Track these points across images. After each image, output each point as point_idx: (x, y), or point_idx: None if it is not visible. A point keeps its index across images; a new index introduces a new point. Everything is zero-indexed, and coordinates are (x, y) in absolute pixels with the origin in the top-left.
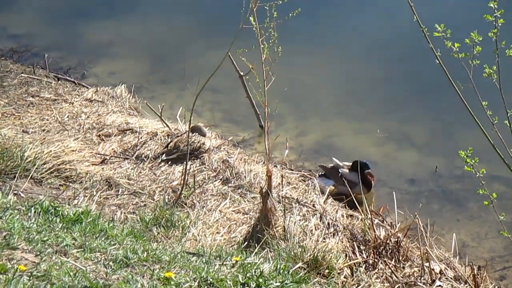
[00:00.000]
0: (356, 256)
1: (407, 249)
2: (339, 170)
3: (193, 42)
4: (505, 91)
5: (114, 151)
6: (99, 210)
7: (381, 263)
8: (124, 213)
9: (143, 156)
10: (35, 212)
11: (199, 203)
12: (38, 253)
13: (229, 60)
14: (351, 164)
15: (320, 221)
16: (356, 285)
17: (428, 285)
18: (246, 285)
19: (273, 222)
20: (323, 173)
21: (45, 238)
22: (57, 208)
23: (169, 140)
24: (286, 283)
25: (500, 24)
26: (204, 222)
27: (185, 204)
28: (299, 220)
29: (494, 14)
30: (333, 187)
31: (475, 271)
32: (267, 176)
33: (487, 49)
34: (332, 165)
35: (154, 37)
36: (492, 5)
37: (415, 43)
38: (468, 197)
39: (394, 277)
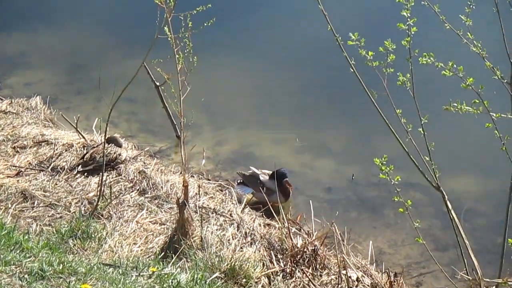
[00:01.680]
0: (274, 265)
1: (324, 257)
2: (260, 177)
3: (109, 52)
4: (418, 99)
5: (30, 163)
6: (14, 222)
7: (299, 271)
8: (40, 225)
9: (59, 167)
10: None
11: (116, 214)
12: None
13: (144, 70)
14: (270, 172)
15: (237, 230)
16: None
17: None
18: None
19: (190, 232)
20: (241, 181)
21: None
22: None
23: (85, 151)
24: None
25: (413, 33)
26: (120, 233)
27: (102, 215)
28: (216, 229)
29: (407, 23)
30: (251, 196)
31: (392, 278)
32: (184, 186)
33: (402, 57)
34: (250, 172)
35: (69, 47)
36: (405, 13)
37: (331, 51)
38: (385, 205)
39: (312, 285)
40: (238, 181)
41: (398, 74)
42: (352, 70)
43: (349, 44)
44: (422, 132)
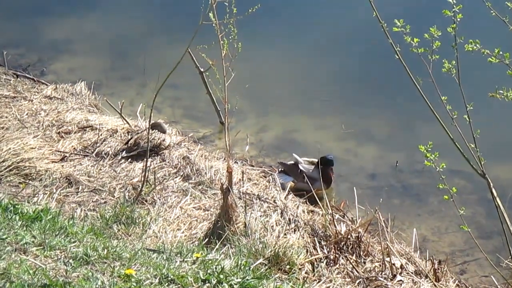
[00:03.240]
0: (317, 251)
1: (368, 244)
2: (299, 166)
3: (153, 38)
4: (464, 86)
5: (74, 148)
6: (59, 207)
7: (342, 258)
8: (84, 210)
9: (103, 153)
10: None
11: (160, 199)
12: None
13: (189, 56)
14: (311, 159)
15: (281, 217)
16: (317, 280)
17: (389, 280)
18: (207, 281)
19: (234, 218)
20: (282, 170)
21: (4, 236)
22: (16, 206)
23: (129, 137)
24: (247, 279)
25: (458, 19)
26: (164, 218)
27: (146, 201)
28: (260, 216)
29: (453, 9)
30: (293, 183)
31: (436, 265)
32: (228, 172)
33: (447, 45)
34: (292, 162)
35: (114, 33)
36: (450, 0)
37: (375, 38)
38: (428, 192)
39: (355, 272)
40: (280, 170)
41: (443, 61)
42: (397, 57)
43: (394, 30)
44: (468, 119)
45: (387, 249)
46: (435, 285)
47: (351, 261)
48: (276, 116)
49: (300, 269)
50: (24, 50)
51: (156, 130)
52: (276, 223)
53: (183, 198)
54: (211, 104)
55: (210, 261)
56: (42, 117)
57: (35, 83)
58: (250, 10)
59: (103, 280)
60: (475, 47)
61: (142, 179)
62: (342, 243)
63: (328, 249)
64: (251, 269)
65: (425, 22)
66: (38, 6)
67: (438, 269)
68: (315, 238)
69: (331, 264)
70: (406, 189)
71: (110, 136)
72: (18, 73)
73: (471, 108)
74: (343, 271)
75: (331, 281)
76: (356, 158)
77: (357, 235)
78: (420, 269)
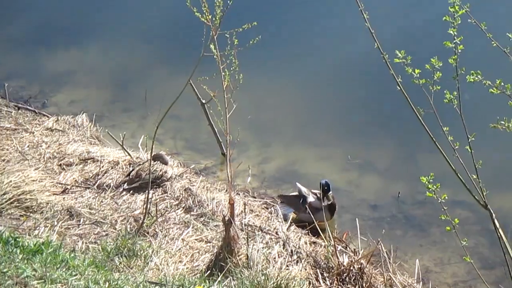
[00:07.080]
0: (320, 283)
1: (371, 275)
2: (302, 193)
3: (154, 70)
4: (465, 117)
5: (76, 180)
6: (60, 240)
7: None
8: (86, 243)
9: (104, 185)
10: None
11: (162, 232)
12: None
13: (190, 87)
14: (312, 191)
15: (283, 248)
16: None
17: None
18: None
19: (236, 250)
20: (283, 201)
21: (4, 270)
22: (17, 239)
23: (131, 168)
24: None
25: (460, 50)
26: (166, 251)
27: (147, 233)
28: (262, 247)
29: (454, 41)
30: (295, 215)
31: None
32: (230, 204)
33: (448, 75)
34: (293, 194)
35: (115, 65)
36: (451, 32)
37: (377, 68)
38: (431, 223)
39: None
40: (281, 201)
41: (445, 92)
42: (398, 88)
43: (396, 61)
44: (469, 150)
45: (390, 281)
46: None
47: None
48: (278, 147)
49: None
50: (25, 82)
51: (158, 162)
52: (278, 255)
53: (185, 230)
54: (212, 135)
55: None
56: (43, 149)
57: (37, 115)
58: (251, 42)
59: None
60: (476, 78)
61: (144, 211)
62: (344, 275)
63: (330, 280)
64: None
65: (428, 51)
66: (39, 38)
67: None
68: (318, 270)
69: None
70: (408, 220)
71: (112, 168)
72: (20, 105)
73: (473, 139)
74: None
75: None
76: (358, 189)
77: (359, 266)
78: None
